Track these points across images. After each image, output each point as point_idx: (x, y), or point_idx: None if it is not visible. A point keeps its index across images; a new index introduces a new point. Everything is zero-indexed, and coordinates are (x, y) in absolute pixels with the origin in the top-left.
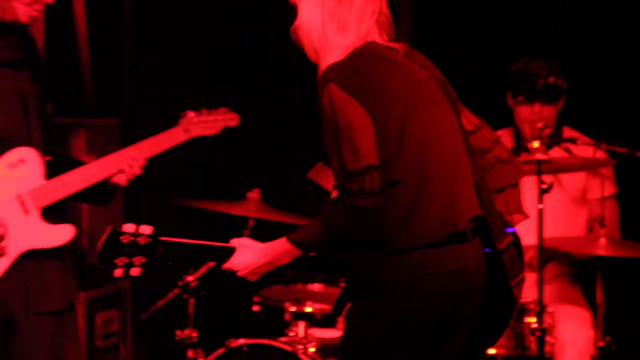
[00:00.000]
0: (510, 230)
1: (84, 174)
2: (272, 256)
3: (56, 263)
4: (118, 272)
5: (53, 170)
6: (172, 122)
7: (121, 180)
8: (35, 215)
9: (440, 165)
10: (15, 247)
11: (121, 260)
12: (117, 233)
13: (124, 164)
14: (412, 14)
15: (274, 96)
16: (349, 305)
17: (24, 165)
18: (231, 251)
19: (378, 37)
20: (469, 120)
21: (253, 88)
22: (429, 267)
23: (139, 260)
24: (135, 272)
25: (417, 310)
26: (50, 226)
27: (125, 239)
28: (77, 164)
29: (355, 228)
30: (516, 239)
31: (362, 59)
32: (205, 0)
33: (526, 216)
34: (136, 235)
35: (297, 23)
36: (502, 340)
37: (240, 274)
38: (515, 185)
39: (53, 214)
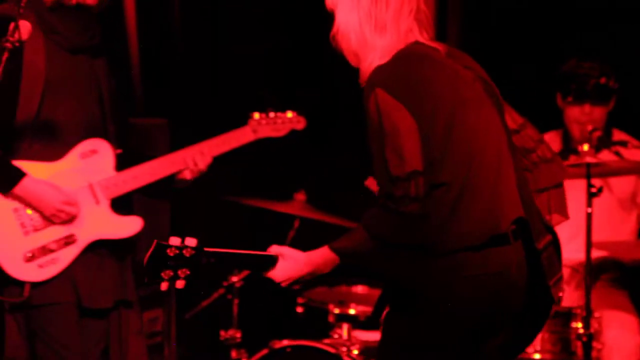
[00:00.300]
0: (549, 229)
1: (152, 167)
2: (313, 265)
3: (115, 258)
4: (163, 285)
5: (123, 163)
6: (220, 122)
7: (186, 175)
8: (105, 206)
9: (483, 167)
10: (85, 236)
11: (166, 273)
12: (163, 246)
13: (191, 160)
14: (461, 13)
15: (321, 96)
16: (387, 308)
17: (95, 156)
18: (273, 260)
19: (419, 36)
20: (513, 119)
21: (299, 88)
22: (469, 269)
23: (183, 272)
24: (179, 284)
25: (456, 313)
26: (118, 217)
27: (170, 252)
28: (146, 158)
29: (399, 234)
30: (554, 238)
31: (408, 61)
32: (252, 1)
33: (566, 217)
34: (181, 247)
35: (334, 28)
36: (548, 345)
37: (282, 284)
38: (559, 186)
39: (120, 205)
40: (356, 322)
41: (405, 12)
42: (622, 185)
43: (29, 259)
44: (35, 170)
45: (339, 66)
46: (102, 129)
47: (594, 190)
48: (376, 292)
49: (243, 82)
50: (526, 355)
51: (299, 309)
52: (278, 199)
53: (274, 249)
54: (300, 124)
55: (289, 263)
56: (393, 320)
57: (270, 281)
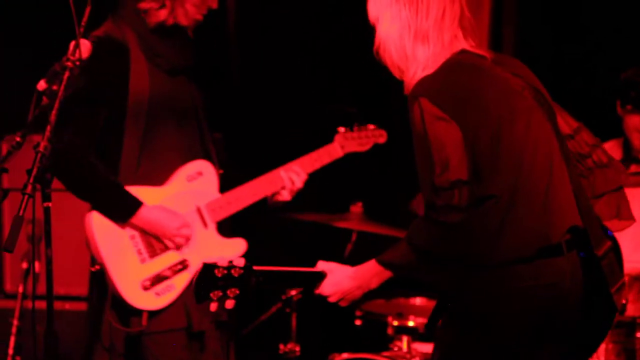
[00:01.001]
0: (609, 234)
1: (253, 188)
2: (361, 280)
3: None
4: (213, 306)
5: (223, 183)
6: (275, 136)
7: (285, 196)
8: (212, 229)
9: (533, 178)
10: (197, 260)
11: (215, 294)
12: (211, 267)
13: (289, 179)
14: (517, 20)
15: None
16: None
17: (201, 178)
18: (321, 276)
19: (464, 43)
20: (568, 123)
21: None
22: (520, 281)
23: (232, 292)
24: (229, 304)
25: (508, 324)
26: (225, 240)
27: (219, 273)
28: (239, 178)
29: (440, 244)
30: (615, 244)
31: (453, 71)
32: (308, 15)
33: (633, 219)
34: (229, 267)
35: (377, 42)
36: (612, 356)
37: (330, 299)
38: (618, 190)
39: (224, 227)
40: (415, 334)
41: (448, 20)
42: None
43: (147, 288)
44: (147, 195)
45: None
46: (203, 150)
47: None
48: (434, 304)
49: (297, 94)
50: None
51: (358, 322)
52: (335, 212)
53: (321, 265)
54: (383, 137)
55: (337, 278)
56: (445, 333)
57: (322, 297)
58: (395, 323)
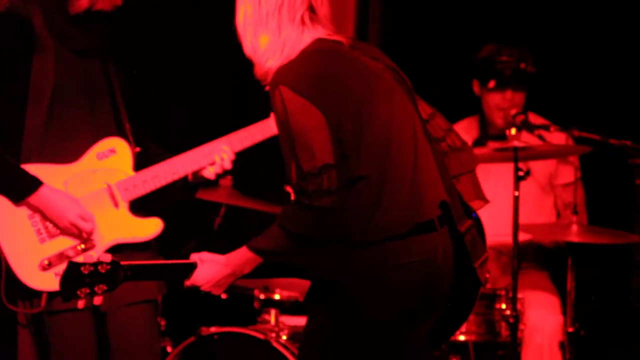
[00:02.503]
0: (471, 211)
1: (173, 165)
2: (233, 267)
3: (143, 257)
4: (80, 304)
5: (141, 161)
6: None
7: (209, 175)
8: (124, 208)
9: (401, 157)
10: (104, 241)
11: (83, 292)
12: (76, 265)
13: (214, 157)
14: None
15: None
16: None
17: (114, 156)
18: (193, 267)
19: (321, 30)
20: (423, 109)
21: None
22: (396, 258)
23: (100, 288)
24: (97, 300)
25: (385, 302)
26: (138, 219)
27: (85, 270)
28: (164, 155)
29: (314, 228)
30: (477, 221)
31: (311, 57)
32: None
33: (485, 200)
34: (96, 264)
35: (236, 20)
36: (473, 327)
37: (203, 288)
38: (471, 172)
39: (140, 206)
40: (283, 308)
41: (292, 8)
42: (542, 168)
43: (46, 267)
44: (51, 174)
45: None
46: (118, 129)
47: (521, 173)
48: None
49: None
50: (452, 338)
51: (224, 296)
52: (203, 186)
53: (193, 257)
54: None
55: (209, 266)
56: (319, 307)
57: (194, 288)
58: (262, 296)
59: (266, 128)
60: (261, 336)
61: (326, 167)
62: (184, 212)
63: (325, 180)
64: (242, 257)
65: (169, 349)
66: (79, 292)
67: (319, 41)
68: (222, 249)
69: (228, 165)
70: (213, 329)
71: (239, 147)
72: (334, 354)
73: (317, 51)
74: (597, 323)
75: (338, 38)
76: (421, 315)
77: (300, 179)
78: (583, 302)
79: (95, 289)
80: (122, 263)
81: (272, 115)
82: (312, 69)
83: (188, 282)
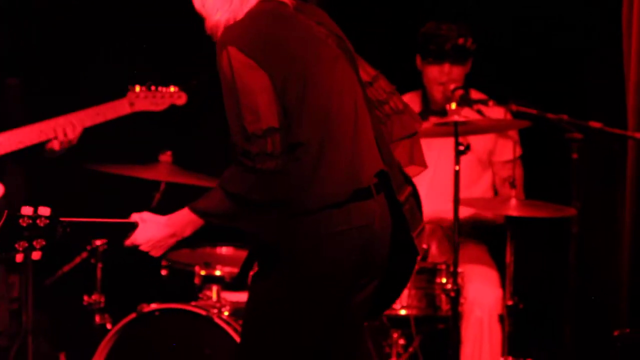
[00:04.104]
0: (409, 180)
1: (19, 135)
2: (174, 228)
3: None
4: (19, 257)
5: None
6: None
7: (55, 146)
8: None
9: (340, 124)
10: None
11: (21, 245)
12: (14, 217)
13: (61, 131)
14: None
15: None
16: (255, 268)
17: None
18: (133, 226)
19: None
20: (366, 71)
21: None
22: (333, 225)
23: (39, 243)
24: (35, 255)
25: (323, 270)
26: None
27: (23, 222)
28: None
29: (257, 191)
30: (414, 190)
31: (258, 18)
32: None
33: (425, 166)
34: (34, 217)
35: None
36: (414, 301)
37: (142, 248)
38: (413, 135)
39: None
40: (224, 284)
41: None
42: (481, 143)
43: None
44: None
45: None
46: None
47: (461, 148)
48: (242, 253)
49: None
50: (393, 312)
51: (164, 272)
52: (142, 162)
53: (134, 216)
54: (181, 99)
55: (149, 226)
56: (260, 280)
57: (134, 247)
58: (203, 272)
59: (119, 107)
60: (203, 312)
61: (271, 130)
62: (122, 189)
63: (270, 143)
64: (183, 218)
65: (108, 326)
66: (16, 246)
67: (264, 2)
68: None
69: (71, 137)
70: (154, 306)
71: (89, 123)
72: (276, 323)
73: (263, 12)
74: (536, 296)
75: (285, 0)
76: (359, 284)
77: (244, 141)
78: (522, 275)
79: (34, 243)
80: (62, 219)
81: (127, 96)
82: (259, 30)
83: (128, 242)
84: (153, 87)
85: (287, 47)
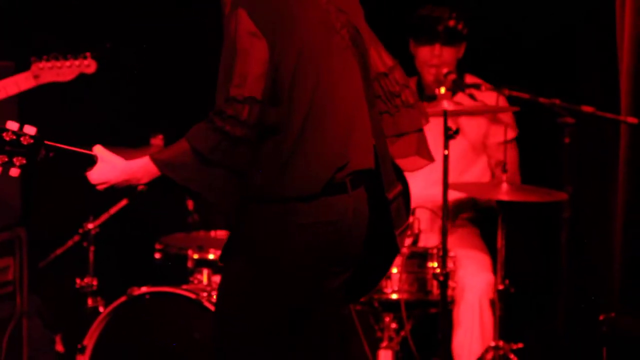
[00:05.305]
0: (401, 177)
1: None
2: (130, 174)
3: None
4: None
5: None
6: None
7: None
8: None
9: (330, 118)
10: None
11: (0, 158)
12: None
13: None
14: None
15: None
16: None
17: None
18: (92, 159)
19: None
20: (384, 62)
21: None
22: (301, 217)
23: (19, 160)
24: (14, 172)
25: (290, 259)
26: None
27: (7, 136)
28: None
29: (218, 152)
30: (405, 188)
31: None
32: None
33: (431, 159)
34: (19, 134)
35: None
36: (405, 286)
37: (97, 187)
38: (419, 131)
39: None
40: (216, 268)
41: None
42: (473, 127)
43: None
44: None
45: None
46: None
47: (450, 132)
48: None
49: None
50: (384, 296)
51: (157, 255)
52: (134, 145)
53: (96, 150)
54: (90, 67)
55: (107, 166)
56: (231, 264)
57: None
58: (196, 256)
59: (21, 82)
60: (192, 296)
61: (251, 100)
62: None
63: (246, 110)
64: (142, 166)
65: (101, 309)
66: None
67: None
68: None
69: None
70: (144, 289)
71: None
72: (242, 308)
73: None
74: (527, 280)
75: None
76: (328, 274)
77: (224, 102)
78: (513, 260)
79: (14, 160)
80: (47, 142)
81: (31, 69)
82: (273, 3)
83: (87, 174)
84: (57, 56)
85: (296, 26)
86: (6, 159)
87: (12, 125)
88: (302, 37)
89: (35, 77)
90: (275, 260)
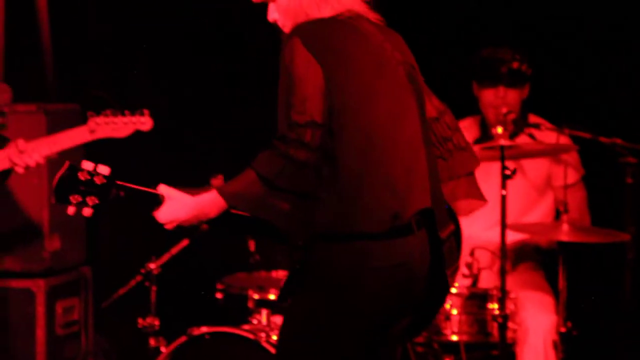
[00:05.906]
0: (454, 218)
1: None
2: (199, 209)
3: None
4: (70, 210)
5: None
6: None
7: (19, 170)
8: None
9: (391, 154)
10: None
11: (75, 198)
12: (75, 169)
13: (18, 160)
14: None
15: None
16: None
17: None
18: (158, 199)
19: (358, 4)
20: (434, 105)
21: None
22: (373, 260)
23: (92, 200)
24: (87, 212)
25: (360, 303)
26: None
27: (82, 176)
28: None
29: (283, 178)
30: (457, 228)
31: (334, 24)
32: None
33: (485, 201)
34: (93, 174)
35: (274, 14)
36: (465, 327)
37: (166, 227)
38: (470, 174)
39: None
40: (276, 308)
41: None
42: (535, 168)
43: None
44: None
45: None
46: None
47: (507, 172)
48: None
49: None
50: (444, 337)
51: (219, 295)
52: (195, 185)
53: (161, 189)
54: (146, 125)
55: (176, 204)
56: (296, 306)
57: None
58: (256, 296)
59: (77, 136)
60: (251, 336)
61: (313, 123)
62: None
63: (309, 134)
64: (210, 201)
65: (162, 349)
66: (71, 198)
67: (349, 12)
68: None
69: (32, 165)
70: (204, 329)
71: (47, 152)
72: (308, 348)
73: (343, 22)
74: (590, 322)
75: (369, 16)
76: (396, 317)
77: (286, 126)
78: (576, 301)
79: (88, 200)
80: (118, 182)
81: (88, 123)
82: (330, 34)
83: (155, 214)
84: (114, 113)
85: (353, 60)
86: (80, 199)
87: (88, 165)
88: (362, 72)
89: (92, 132)
90: (346, 303)
